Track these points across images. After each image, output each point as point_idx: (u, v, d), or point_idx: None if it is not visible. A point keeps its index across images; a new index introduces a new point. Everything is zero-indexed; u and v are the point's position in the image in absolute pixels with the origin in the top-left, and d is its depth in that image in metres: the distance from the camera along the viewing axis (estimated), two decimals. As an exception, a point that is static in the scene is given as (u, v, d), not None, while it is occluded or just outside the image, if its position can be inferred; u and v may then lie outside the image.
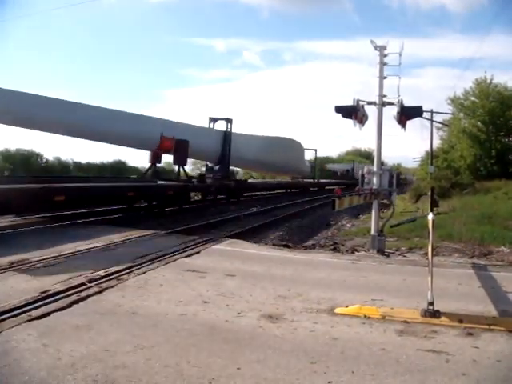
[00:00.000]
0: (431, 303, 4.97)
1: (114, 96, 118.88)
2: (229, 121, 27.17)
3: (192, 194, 22.42)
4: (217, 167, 26.88)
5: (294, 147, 35.19)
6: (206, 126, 27.86)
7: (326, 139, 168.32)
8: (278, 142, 32.14)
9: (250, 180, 38.36)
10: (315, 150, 47.45)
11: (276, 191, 36.65)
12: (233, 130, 27.32)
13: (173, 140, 21.36)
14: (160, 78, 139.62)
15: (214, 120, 28.00)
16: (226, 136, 26.63)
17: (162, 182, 19.54)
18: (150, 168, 21.91)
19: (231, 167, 29.11)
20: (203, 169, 31.03)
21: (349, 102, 10.12)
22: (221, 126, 27.75)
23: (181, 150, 21.56)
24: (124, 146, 25.61)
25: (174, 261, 7.92)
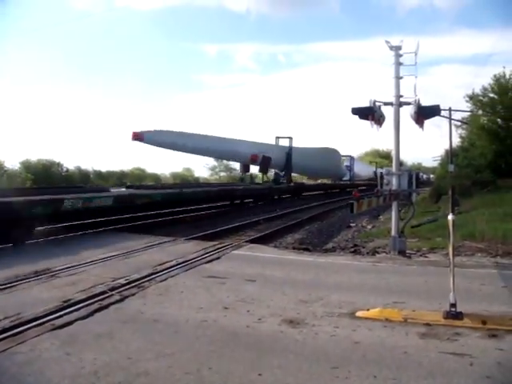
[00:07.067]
0: (453, 305, 4.90)
1: (121, 104, 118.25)
2: (290, 138, 37.11)
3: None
4: (282, 173, 36.20)
5: (335, 155, 44.62)
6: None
7: (344, 140, 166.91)
8: (322, 152, 41.68)
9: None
10: (352, 157, 55.85)
11: (321, 191, 45.11)
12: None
13: (259, 155, 33.75)
14: (166, 84, 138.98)
15: (278, 138, 38.38)
16: (289, 150, 36.45)
17: (255, 186, 30.14)
18: (243, 174, 36.23)
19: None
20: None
21: (363, 103, 10.04)
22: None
23: (264, 163, 33.88)
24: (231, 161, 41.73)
25: (194, 267, 7.97)
